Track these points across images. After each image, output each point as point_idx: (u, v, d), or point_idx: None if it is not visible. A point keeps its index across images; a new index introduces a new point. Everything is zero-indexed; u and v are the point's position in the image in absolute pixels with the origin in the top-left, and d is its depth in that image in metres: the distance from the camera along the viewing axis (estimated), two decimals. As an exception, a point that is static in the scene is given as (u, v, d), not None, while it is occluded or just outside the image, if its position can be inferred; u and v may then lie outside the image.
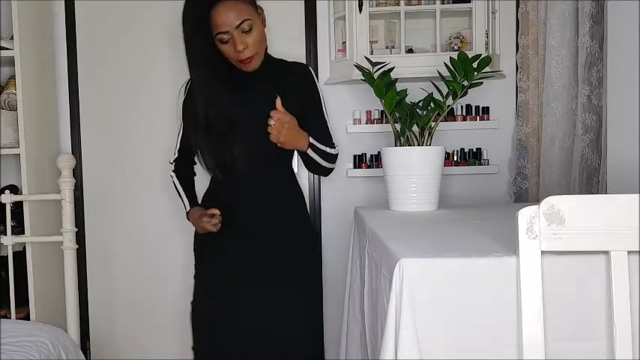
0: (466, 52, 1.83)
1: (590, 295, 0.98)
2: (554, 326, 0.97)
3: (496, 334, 0.97)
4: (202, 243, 1.78)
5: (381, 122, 2.31)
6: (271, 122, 1.58)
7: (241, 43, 1.57)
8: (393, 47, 2.26)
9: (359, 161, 2.35)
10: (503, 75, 2.25)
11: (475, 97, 2.26)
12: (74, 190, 2.05)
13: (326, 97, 1.81)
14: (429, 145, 1.81)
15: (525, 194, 2.21)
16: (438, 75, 1.91)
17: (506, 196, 2.36)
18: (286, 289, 1.70)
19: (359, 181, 2.38)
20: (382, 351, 0.98)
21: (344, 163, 2.33)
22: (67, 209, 2.01)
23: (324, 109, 1.76)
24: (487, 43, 2.15)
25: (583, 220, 0.94)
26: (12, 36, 2.01)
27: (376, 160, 2.34)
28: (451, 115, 2.31)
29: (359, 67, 1.87)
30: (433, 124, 1.81)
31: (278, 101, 1.59)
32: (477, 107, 2.33)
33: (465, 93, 1.77)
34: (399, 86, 1.88)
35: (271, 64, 1.71)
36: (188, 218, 1.77)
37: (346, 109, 2.34)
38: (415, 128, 1.84)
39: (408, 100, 1.86)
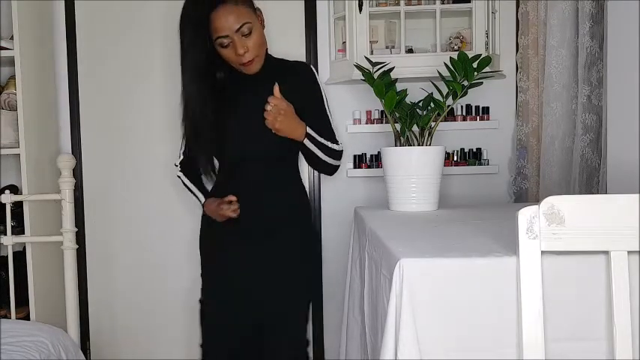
0: (466, 52, 1.83)
1: (590, 295, 0.98)
2: (554, 326, 0.97)
3: (496, 334, 0.97)
4: (206, 242, 1.79)
5: (381, 122, 2.31)
6: (268, 108, 1.58)
7: (242, 46, 1.57)
8: (393, 47, 2.26)
9: (359, 161, 2.35)
10: (503, 75, 2.25)
11: (475, 97, 2.26)
12: (74, 190, 2.05)
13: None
14: (429, 145, 1.81)
15: (525, 194, 2.21)
16: (438, 75, 1.91)
17: (506, 196, 2.36)
18: (286, 289, 1.70)
19: (359, 181, 2.38)
20: (382, 351, 0.98)
21: (344, 163, 2.32)
22: (67, 209, 2.01)
23: (326, 106, 1.75)
24: (487, 43, 2.15)
25: (583, 220, 0.95)
26: (12, 36, 2.01)
27: (376, 160, 2.34)
28: (451, 115, 2.31)
29: (359, 67, 1.87)
30: (433, 124, 1.81)
31: (276, 88, 1.59)
32: (477, 107, 2.33)
33: (465, 93, 1.77)
34: (399, 86, 1.88)
35: (272, 65, 1.71)
36: (204, 211, 1.76)
37: (346, 109, 2.34)
38: (415, 128, 1.84)
39: (408, 100, 1.86)
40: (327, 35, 2.34)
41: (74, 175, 2.08)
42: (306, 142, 1.67)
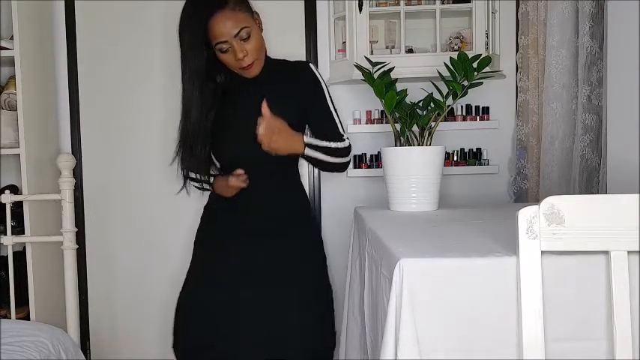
0: (466, 52, 1.83)
1: (590, 295, 0.98)
2: (554, 326, 0.97)
3: (496, 334, 0.97)
4: (202, 240, 1.80)
5: (381, 122, 2.31)
6: (260, 131, 1.54)
7: (241, 51, 1.57)
8: (393, 47, 2.26)
9: (359, 161, 2.35)
10: (503, 75, 2.25)
11: (475, 97, 2.26)
12: (74, 190, 2.05)
13: (326, 98, 1.80)
14: (429, 145, 1.81)
15: (525, 194, 2.21)
16: (438, 75, 1.91)
17: (506, 196, 2.36)
18: (286, 289, 1.70)
19: (359, 181, 2.38)
20: (382, 351, 0.98)
21: (344, 164, 2.33)
22: (67, 209, 2.01)
23: (329, 102, 1.74)
24: (487, 43, 2.15)
25: (583, 220, 0.94)
26: (12, 36, 2.01)
27: (376, 160, 2.34)
28: (451, 115, 2.31)
29: (359, 67, 1.87)
30: (433, 124, 1.81)
31: (264, 105, 1.54)
32: (477, 107, 2.33)
33: (465, 93, 1.77)
34: (399, 86, 1.88)
35: (272, 67, 1.71)
36: (215, 192, 1.77)
37: (346, 109, 2.34)
38: (415, 128, 1.84)
39: (408, 100, 1.86)
40: (327, 35, 2.34)
41: (74, 175, 2.08)
42: (307, 151, 1.65)
